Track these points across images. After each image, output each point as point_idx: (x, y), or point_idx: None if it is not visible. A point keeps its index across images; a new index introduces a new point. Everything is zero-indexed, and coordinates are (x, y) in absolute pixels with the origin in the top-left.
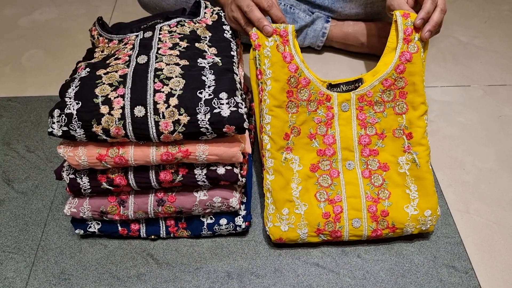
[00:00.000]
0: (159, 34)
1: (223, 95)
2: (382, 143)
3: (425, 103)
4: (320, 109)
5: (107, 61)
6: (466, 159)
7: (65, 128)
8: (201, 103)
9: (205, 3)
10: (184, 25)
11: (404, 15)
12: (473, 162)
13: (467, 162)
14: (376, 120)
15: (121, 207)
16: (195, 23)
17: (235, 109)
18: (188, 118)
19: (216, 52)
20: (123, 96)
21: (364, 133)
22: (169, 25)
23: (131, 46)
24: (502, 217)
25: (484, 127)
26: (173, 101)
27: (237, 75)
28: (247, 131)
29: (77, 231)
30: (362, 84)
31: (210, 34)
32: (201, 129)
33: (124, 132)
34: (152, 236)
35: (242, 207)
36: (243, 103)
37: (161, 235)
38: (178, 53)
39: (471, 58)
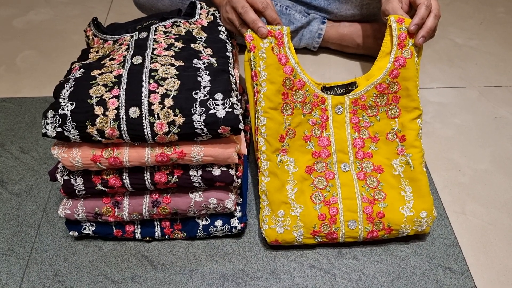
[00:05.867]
0: (154, 34)
1: (219, 96)
2: (376, 146)
3: (419, 107)
4: (315, 111)
5: (102, 62)
6: (462, 160)
7: (59, 129)
8: (196, 104)
9: (200, 4)
10: (179, 25)
11: (398, 20)
12: (469, 163)
13: (463, 163)
14: (369, 123)
15: (116, 209)
16: (190, 24)
17: (230, 110)
18: (183, 119)
19: (211, 53)
20: (117, 97)
21: (357, 136)
22: (164, 26)
23: (126, 46)
24: (498, 218)
25: (479, 129)
26: (168, 102)
27: (232, 76)
28: (242, 132)
29: (71, 233)
30: (356, 87)
31: (205, 35)
32: (196, 130)
33: (119, 133)
34: (147, 238)
35: (238, 208)
36: (239, 104)
37: (156, 237)
38: (173, 53)
39: (467, 60)
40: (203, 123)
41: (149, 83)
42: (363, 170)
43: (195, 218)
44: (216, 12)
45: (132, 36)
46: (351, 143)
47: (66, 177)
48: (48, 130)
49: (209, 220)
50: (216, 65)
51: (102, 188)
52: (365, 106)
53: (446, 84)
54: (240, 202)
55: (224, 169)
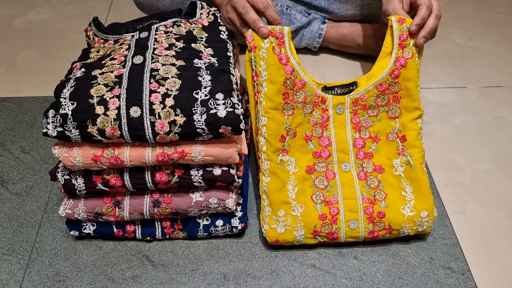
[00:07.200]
0: (155, 34)
1: (220, 95)
2: (376, 146)
3: (420, 108)
4: (315, 111)
5: (103, 62)
6: (462, 160)
7: (60, 129)
8: (197, 104)
9: (201, 3)
10: (180, 25)
11: (399, 20)
12: (469, 163)
13: (463, 164)
14: (370, 123)
15: (117, 208)
16: (191, 24)
17: (231, 109)
18: (184, 118)
19: (212, 53)
20: (118, 97)
21: (358, 136)
22: (165, 26)
23: (127, 46)
24: (498, 218)
25: (480, 129)
26: (169, 101)
27: (233, 75)
28: (243, 132)
29: (72, 233)
30: (356, 87)
31: (206, 35)
32: (197, 130)
33: (120, 132)
34: (148, 238)
35: (238, 208)
36: (240, 103)
37: (156, 237)
38: (174, 53)
39: (467, 60)
40: (204, 123)
41: (150, 83)
42: (363, 170)
43: (195, 218)
44: (217, 12)
45: (132, 36)
46: (351, 143)
47: (66, 177)
48: (49, 129)
49: (209, 220)
50: (217, 65)
51: (103, 187)
52: (365, 106)
53: (446, 84)
54: (241, 202)
55: (225, 169)
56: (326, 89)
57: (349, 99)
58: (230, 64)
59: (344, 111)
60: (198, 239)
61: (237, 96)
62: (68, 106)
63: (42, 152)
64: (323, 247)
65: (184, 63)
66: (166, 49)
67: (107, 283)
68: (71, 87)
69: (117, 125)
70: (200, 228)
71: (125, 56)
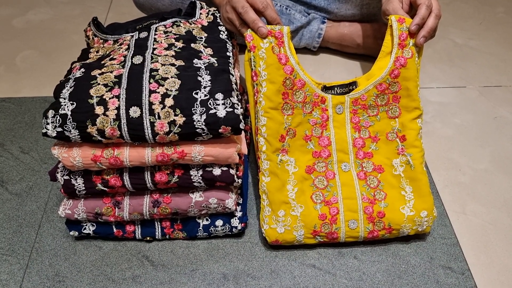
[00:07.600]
0: (155, 34)
1: (219, 95)
2: (376, 146)
3: (419, 107)
4: (315, 111)
5: (102, 62)
6: (462, 160)
7: (59, 129)
8: (196, 104)
9: (200, 3)
10: (179, 25)
11: (399, 20)
12: (469, 163)
13: (463, 163)
14: (370, 123)
15: (116, 209)
16: (190, 24)
17: (231, 109)
18: (183, 118)
19: (212, 53)
20: (118, 97)
21: (358, 136)
22: (164, 26)
23: (126, 46)
24: (498, 218)
25: (479, 128)
26: (169, 101)
27: (233, 75)
28: (243, 132)
29: (71, 233)
30: (356, 87)
31: (205, 35)
32: (197, 130)
33: (119, 133)
34: (148, 238)
35: (238, 208)
36: (239, 103)
37: (156, 237)
38: (173, 53)
39: (467, 60)
40: (203, 123)
41: (150, 83)
42: (363, 169)
43: (195, 218)
44: (216, 12)
45: (132, 36)
46: (351, 143)
47: (66, 177)
48: (48, 130)
49: (209, 220)
50: (216, 65)
51: (103, 188)
52: (365, 106)
53: (446, 84)
54: (241, 202)
55: (225, 169)
56: (325, 88)
57: (348, 99)
58: (230, 64)
59: (343, 110)
60: (198, 239)
61: (237, 96)
62: (67, 107)
63: (41, 152)
64: (323, 247)
65: (183, 63)
66: (166, 49)
67: (107, 283)
68: (70, 87)
69: (116, 125)
70: (200, 228)
71: (125, 56)
